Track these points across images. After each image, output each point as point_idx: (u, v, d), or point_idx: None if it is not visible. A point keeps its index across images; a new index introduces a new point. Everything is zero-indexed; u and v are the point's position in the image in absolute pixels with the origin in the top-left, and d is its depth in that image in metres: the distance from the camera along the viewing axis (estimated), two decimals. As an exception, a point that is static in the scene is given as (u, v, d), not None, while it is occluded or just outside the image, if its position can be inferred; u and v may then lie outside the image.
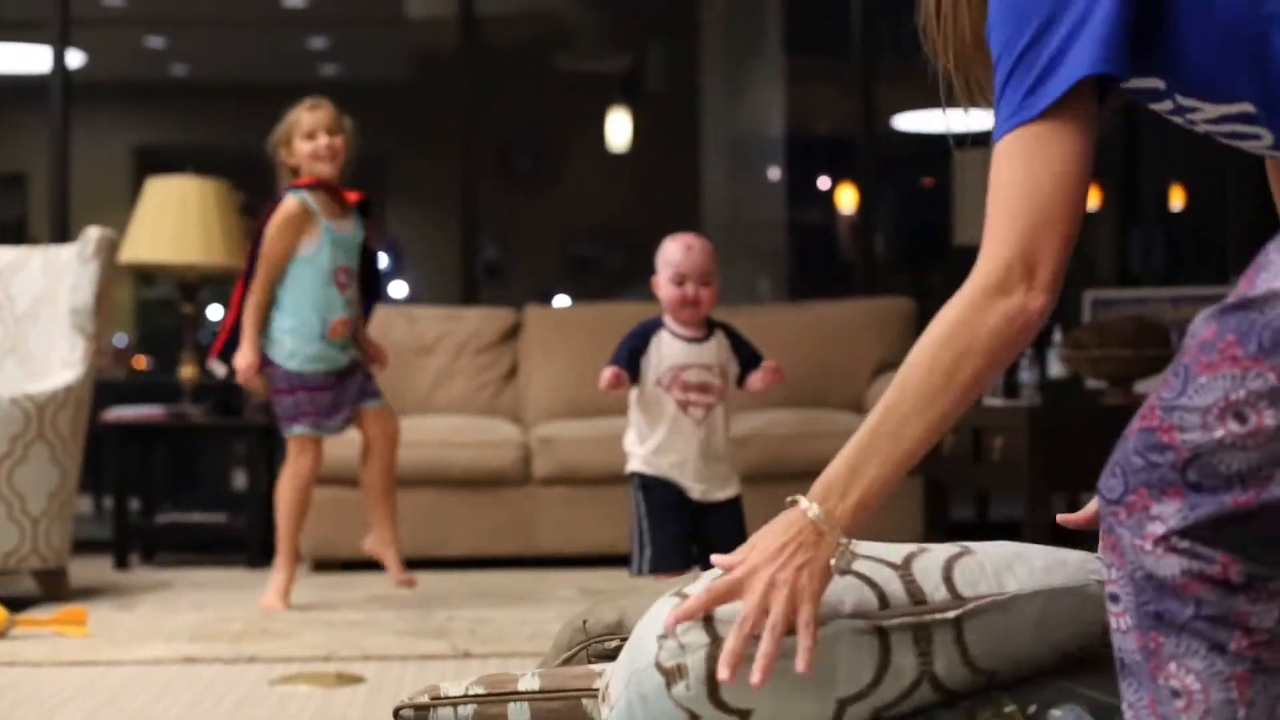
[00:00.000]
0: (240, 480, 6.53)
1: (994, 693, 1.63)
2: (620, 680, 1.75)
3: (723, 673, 1.61)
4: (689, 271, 4.07)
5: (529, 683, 1.86)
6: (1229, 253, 5.77)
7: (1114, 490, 1.48)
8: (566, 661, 2.15)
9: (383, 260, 4.88)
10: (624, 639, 2.07)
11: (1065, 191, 1.64)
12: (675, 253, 4.09)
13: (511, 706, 1.83)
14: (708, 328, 4.15)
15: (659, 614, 1.73)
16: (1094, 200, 10.02)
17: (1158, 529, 1.44)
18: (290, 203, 4.77)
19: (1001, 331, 1.65)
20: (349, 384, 4.89)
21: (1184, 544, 1.44)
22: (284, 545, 4.84)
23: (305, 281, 4.81)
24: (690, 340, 4.10)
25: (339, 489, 5.67)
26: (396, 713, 1.85)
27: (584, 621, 2.12)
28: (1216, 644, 1.44)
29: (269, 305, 4.82)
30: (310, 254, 4.80)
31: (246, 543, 6.12)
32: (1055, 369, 6.54)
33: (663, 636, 1.69)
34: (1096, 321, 5.15)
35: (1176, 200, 9.46)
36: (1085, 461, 4.70)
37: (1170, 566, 1.44)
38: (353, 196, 4.91)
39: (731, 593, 1.68)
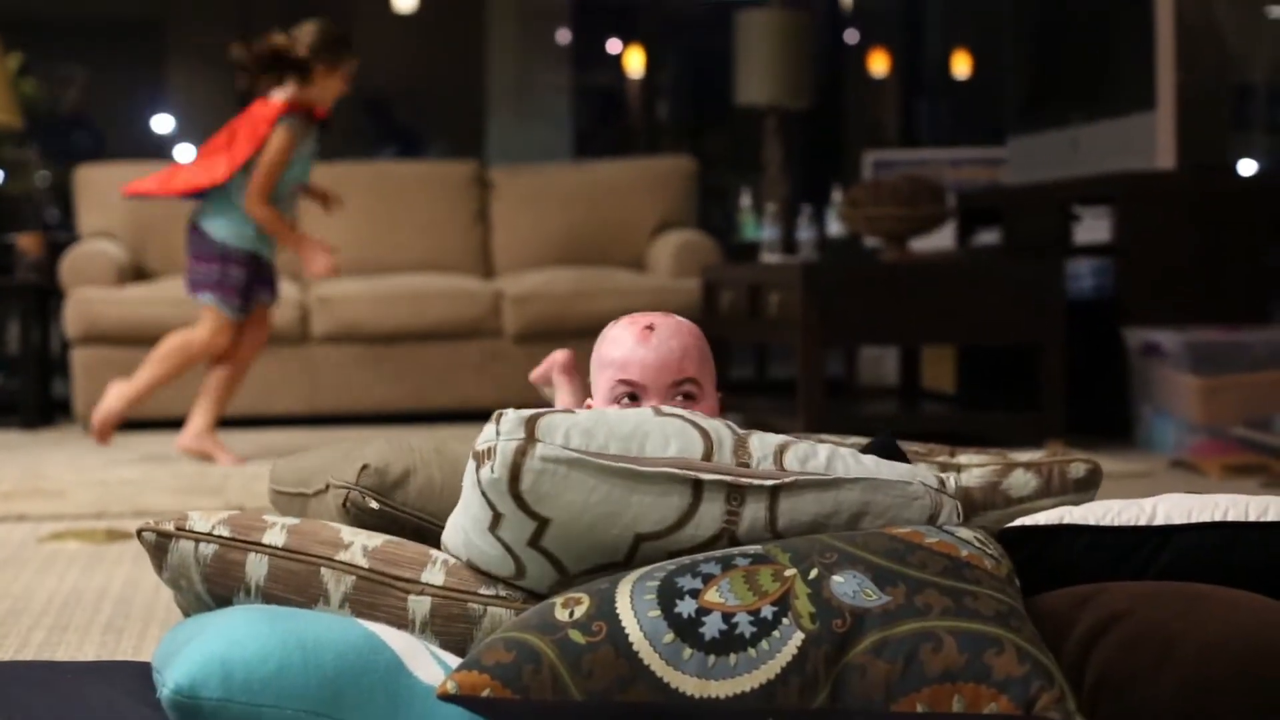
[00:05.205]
0: (14, 342, 6.38)
1: (771, 550, 1.62)
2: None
3: None
4: (645, 379, 1.99)
5: (275, 535, 1.82)
6: (1005, 117, 5.88)
7: None
8: (300, 496, 2.12)
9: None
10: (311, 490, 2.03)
11: None
12: (621, 345, 2.01)
13: (251, 557, 1.80)
14: None
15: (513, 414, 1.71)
16: (881, 67, 10.13)
17: None
18: None
19: None
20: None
21: None
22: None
23: None
24: None
25: (110, 349, 5.59)
26: (139, 533, 1.83)
27: (364, 466, 2.04)
28: None
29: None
30: None
31: (21, 405, 6.03)
32: (834, 228, 6.64)
33: (492, 421, 1.69)
34: (873, 180, 5.23)
35: (961, 67, 9.57)
36: (860, 318, 4.82)
37: None
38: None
39: None
